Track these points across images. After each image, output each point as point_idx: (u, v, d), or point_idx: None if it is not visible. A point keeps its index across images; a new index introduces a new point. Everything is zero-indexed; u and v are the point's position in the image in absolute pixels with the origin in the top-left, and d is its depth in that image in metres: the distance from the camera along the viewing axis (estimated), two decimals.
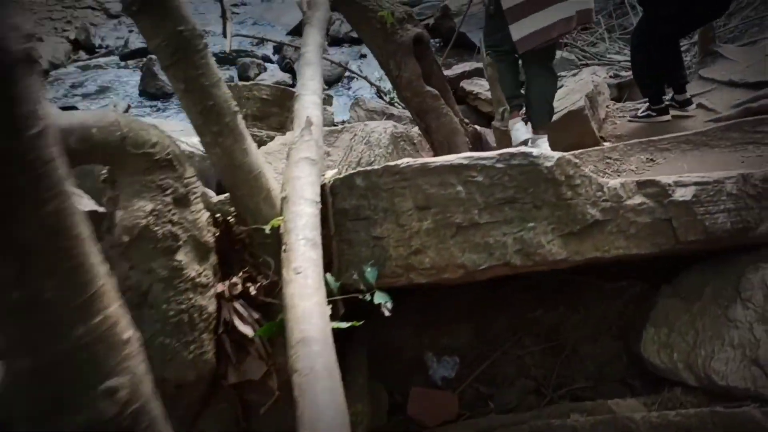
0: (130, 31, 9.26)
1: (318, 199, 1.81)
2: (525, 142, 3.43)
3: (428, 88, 3.59)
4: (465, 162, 1.84)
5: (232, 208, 1.83)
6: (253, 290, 1.72)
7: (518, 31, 3.25)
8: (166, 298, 1.53)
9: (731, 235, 2.15)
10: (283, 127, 4.95)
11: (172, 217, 1.54)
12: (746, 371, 2.04)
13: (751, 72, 5.40)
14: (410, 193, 1.86)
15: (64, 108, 6.56)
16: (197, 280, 1.59)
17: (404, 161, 1.86)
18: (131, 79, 7.99)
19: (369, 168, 1.90)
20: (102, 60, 8.66)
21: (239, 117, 1.73)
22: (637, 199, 2.06)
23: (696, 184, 2.09)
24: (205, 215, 1.67)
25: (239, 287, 1.69)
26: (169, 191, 1.55)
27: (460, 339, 2.49)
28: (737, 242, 2.21)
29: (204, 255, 1.64)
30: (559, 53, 7.07)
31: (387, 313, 1.77)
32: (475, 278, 1.93)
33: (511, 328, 2.51)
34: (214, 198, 1.89)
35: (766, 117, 3.93)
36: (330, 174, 1.97)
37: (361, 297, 1.80)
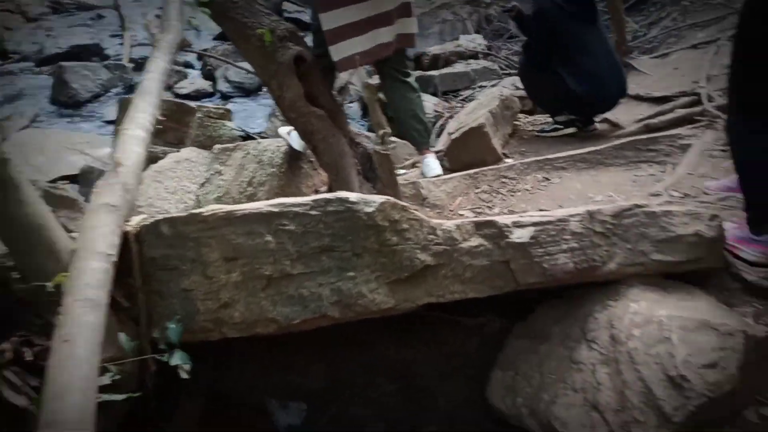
0: (48, 35, 8.89)
1: (112, 251, 1.66)
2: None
3: (313, 108, 3.45)
4: (275, 210, 1.72)
5: None
6: (29, 356, 1.56)
7: (337, 53, 3.35)
8: None
9: (575, 276, 2.08)
10: (181, 142, 4.79)
11: None
12: (586, 417, 1.96)
13: (658, 86, 5.44)
14: (216, 243, 1.72)
15: None
16: None
17: (209, 209, 1.73)
18: (45, 86, 7.64)
19: (175, 215, 1.76)
20: (15, 66, 8.27)
21: (10, 165, 1.57)
22: (474, 242, 1.97)
23: (535, 224, 2.01)
24: None
25: (8, 354, 1.53)
26: None
27: (311, 380, 2.37)
28: (584, 280, 2.15)
29: None
30: (476, 63, 7.09)
31: (184, 376, 1.63)
32: (292, 331, 1.81)
33: (365, 366, 2.40)
34: None
35: (660, 135, 3.94)
36: (137, 220, 1.82)
37: (159, 357, 1.66)
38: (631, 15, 7.97)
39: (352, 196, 1.77)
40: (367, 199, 1.78)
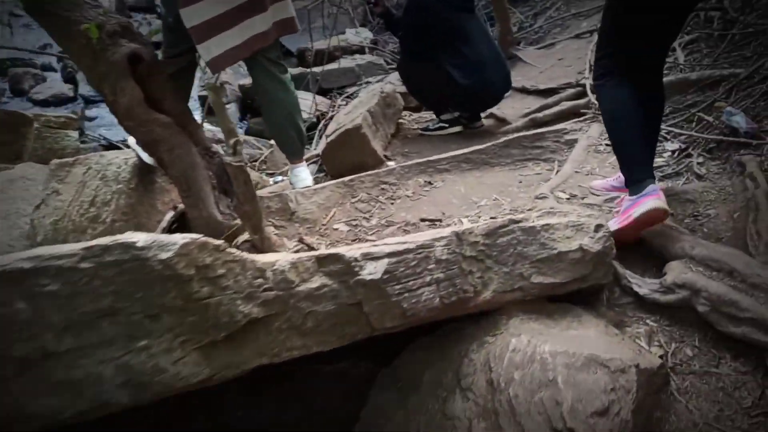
0: None
1: None
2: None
3: (156, 115, 2.95)
4: (27, 266, 1.26)
5: None
6: None
7: (207, 52, 2.82)
8: None
9: (443, 311, 1.74)
10: (18, 157, 4.14)
11: None
12: None
13: (544, 78, 5.29)
14: None
15: None
16: None
17: None
18: None
19: None
20: None
21: None
22: (316, 282, 1.58)
23: (390, 255, 1.64)
24: None
25: None
26: None
27: None
28: (455, 315, 1.81)
29: None
30: (361, 57, 6.73)
31: None
32: (69, 424, 1.35)
33: None
34: None
35: (545, 130, 3.73)
36: None
37: None
38: (517, 6, 7.87)
39: (141, 239, 1.33)
40: (162, 242, 1.35)
